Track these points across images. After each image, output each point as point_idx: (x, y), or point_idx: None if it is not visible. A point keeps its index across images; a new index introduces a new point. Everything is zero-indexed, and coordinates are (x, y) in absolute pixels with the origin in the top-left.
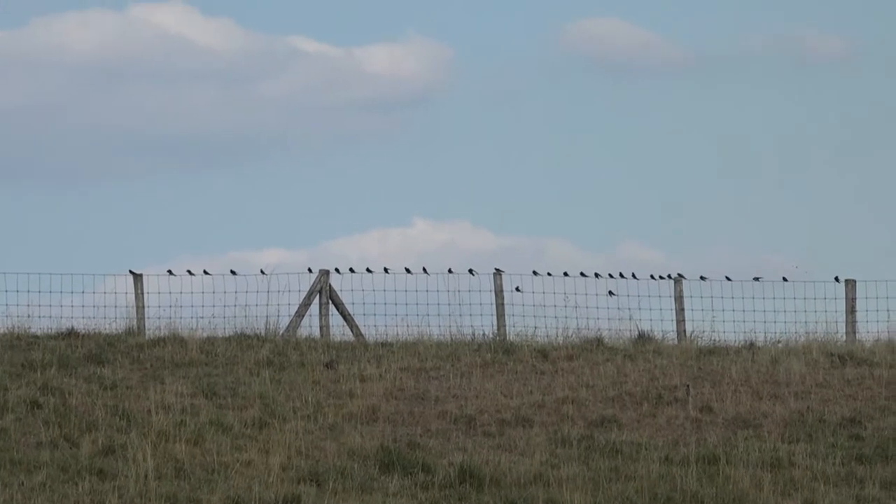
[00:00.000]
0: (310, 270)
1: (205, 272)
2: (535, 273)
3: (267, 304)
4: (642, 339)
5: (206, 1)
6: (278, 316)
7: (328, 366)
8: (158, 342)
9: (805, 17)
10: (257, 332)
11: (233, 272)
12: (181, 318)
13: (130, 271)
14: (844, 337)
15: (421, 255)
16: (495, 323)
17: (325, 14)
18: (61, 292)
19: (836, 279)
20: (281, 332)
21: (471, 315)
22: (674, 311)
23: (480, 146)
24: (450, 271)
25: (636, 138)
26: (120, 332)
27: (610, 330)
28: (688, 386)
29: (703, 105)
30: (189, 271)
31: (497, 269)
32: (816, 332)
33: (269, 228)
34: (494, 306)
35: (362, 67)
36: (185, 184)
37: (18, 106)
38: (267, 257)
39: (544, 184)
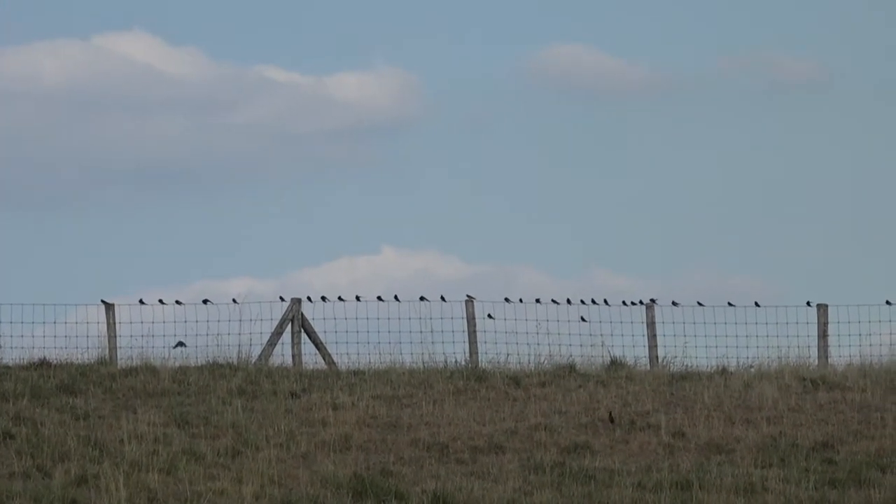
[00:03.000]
0: (282, 299)
1: (176, 302)
2: (506, 300)
3: (239, 333)
4: (615, 365)
5: (170, 30)
6: (250, 345)
7: (295, 395)
8: (131, 372)
9: (776, 40)
10: (229, 360)
11: (205, 301)
12: (153, 347)
13: (102, 301)
14: (817, 361)
15: (390, 284)
16: (467, 350)
17: (291, 43)
18: (33, 322)
19: (808, 304)
20: (253, 361)
21: (443, 342)
22: (646, 337)
23: (449, 174)
24: (422, 299)
25: (605, 164)
26: (92, 361)
27: (582, 356)
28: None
29: (673, 129)
30: (161, 300)
31: (469, 297)
32: (789, 357)
33: (236, 258)
34: (466, 333)
35: (331, 96)
36: (152, 213)
37: None
38: (235, 287)
39: (513, 211)
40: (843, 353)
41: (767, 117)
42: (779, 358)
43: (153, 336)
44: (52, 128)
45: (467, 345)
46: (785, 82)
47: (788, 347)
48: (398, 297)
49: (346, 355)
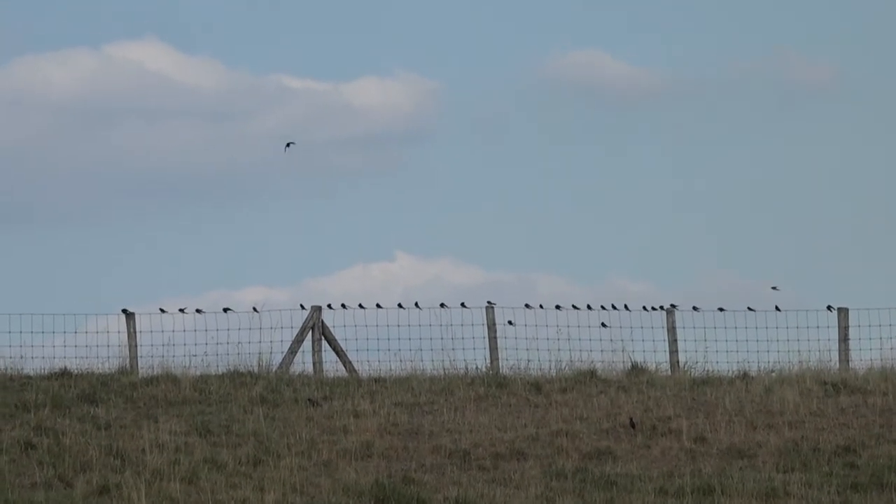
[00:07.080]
0: (302, 307)
1: (197, 310)
2: (527, 306)
3: (259, 341)
4: (636, 370)
5: (182, 38)
6: (271, 353)
7: (312, 402)
8: (151, 381)
9: (789, 43)
10: (250, 369)
11: (225, 310)
12: (174, 356)
13: (123, 310)
14: (838, 365)
15: (406, 291)
16: (488, 356)
17: (307, 50)
18: (53, 332)
19: (829, 308)
20: (274, 369)
21: (463, 349)
22: (667, 342)
23: (466, 180)
24: (442, 305)
25: (621, 169)
26: (113, 371)
27: (603, 362)
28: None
29: (688, 133)
30: (181, 310)
31: (489, 303)
32: (810, 361)
33: (249, 267)
34: (487, 340)
35: (348, 103)
36: (166, 223)
37: (1, 146)
38: (248, 296)
39: (531, 217)
40: (864, 356)
41: (785, 121)
42: (800, 362)
43: (173, 345)
44: (64, 138)
45: (488, 351)
46: (802, 86)
47: (809, 352)
48: (418, 304)
49: (367, 363)
